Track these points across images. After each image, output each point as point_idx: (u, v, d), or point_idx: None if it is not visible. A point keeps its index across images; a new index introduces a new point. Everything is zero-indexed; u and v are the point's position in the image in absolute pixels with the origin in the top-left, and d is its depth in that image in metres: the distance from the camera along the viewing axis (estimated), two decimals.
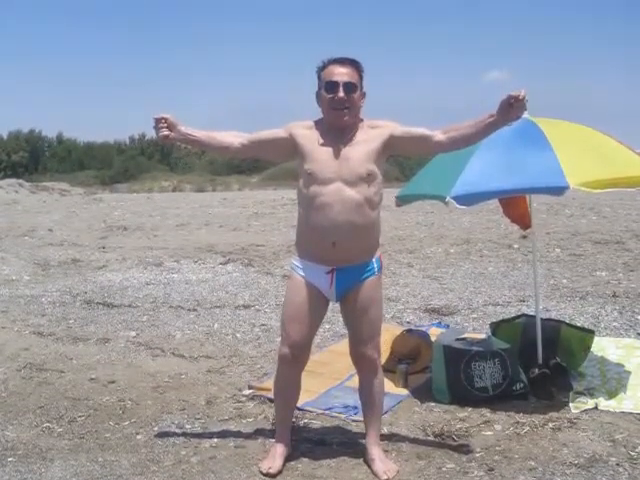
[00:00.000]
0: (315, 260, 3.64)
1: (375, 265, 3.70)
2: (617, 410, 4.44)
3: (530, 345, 4.93)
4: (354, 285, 3.66)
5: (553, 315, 6.67)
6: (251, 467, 3.74)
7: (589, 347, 5.11)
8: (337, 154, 3.56)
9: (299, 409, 4.35)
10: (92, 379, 5.25)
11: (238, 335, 6.55)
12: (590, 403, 4.53)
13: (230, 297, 8.28)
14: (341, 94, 3.53)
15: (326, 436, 4.14)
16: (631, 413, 4.40)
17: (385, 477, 3.60)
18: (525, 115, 3.98)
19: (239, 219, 18.10)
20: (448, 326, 6.54)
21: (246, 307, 7.72)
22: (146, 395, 4.90)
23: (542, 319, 5.07)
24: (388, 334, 5.27)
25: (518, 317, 5.54)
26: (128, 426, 4.34)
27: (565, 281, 8.84)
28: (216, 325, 6.92)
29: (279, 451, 3.76)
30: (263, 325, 6.88)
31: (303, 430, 4.22)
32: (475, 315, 7.15)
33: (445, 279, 9.24)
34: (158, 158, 64.55)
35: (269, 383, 4.53)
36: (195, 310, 7.60)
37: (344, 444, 4.02)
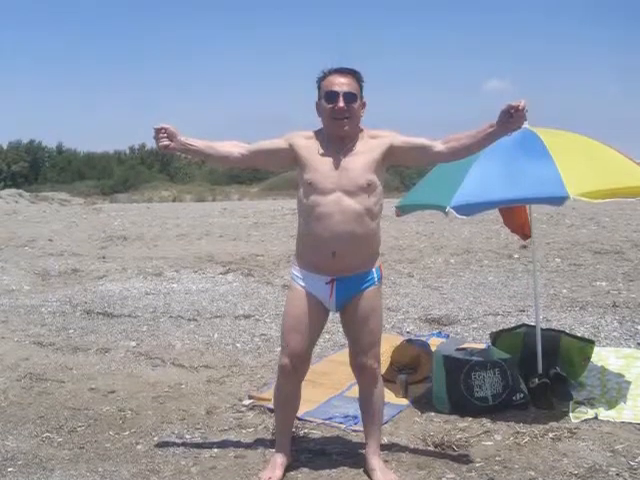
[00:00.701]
0: (315, 270, 3.64)
1: (375, 275, 3.70)
2: (617, 420, 4.43)
3: (530, 355, 4.93)
4: (354, 295, 3.65)
5: (553, 325, 6.67)
6: (251, 477, 3.73)
7: (589, 357, 5.10)
8: (337, 164, 3.56)
9: (299, 419, 4.34)
10: (92, 389, 5.25)
11: (238, 345, 6.55)
12: (590, 413, 4.52)
13: (230, 307, 8.28)
14: (341, 104, 3.54)
15: (326, 446, 4.13)
16: (631, 423, 4.39)
17: None
18: (525, 125, 3.99)
19: (239, 229, 18.10)
20: (448, 336, 6.54)
21: (246, 317, 7.72)
22: (146, 405, 4.90)
23: (542, 329, 5.07)
24: (388, 344, 5.27)
25: (518, 327, 5.53)
26: (128, 436, 4.33)
27: (565, 291, 8.84)
28: (216, 335, 6.92)
29: (279, 461, 3.75)
30: (263, 335, 6.88)
31: (303, 440, 4.22)
32: (475, 325, 7.15)
33: (445, 289, 9.24)
34: (158, 168, 64.60)
35: (269, 393, 4.53)
36: (195, 320, 7.60)
37: (344, 454, 4.01)
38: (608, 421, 4.43)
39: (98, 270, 11.35)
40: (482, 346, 5.26)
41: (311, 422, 4.49)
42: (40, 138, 68.77)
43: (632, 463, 3.82)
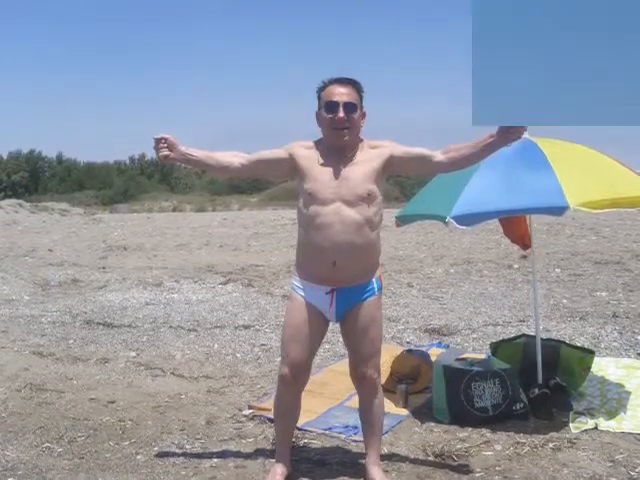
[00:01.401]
0: (315, 280, 3.64)
1: (375, 285, 3.70)
2: (617, 430, 4.43)
3: (530, 365, 4.92)
4: (354, 305, 3.65)
5: (553, 335, 6.66)
6: None
7: (589, 367, 5.10)
8: (337, 174, 3.57)
9: (299, 429, 4.33)
10: (92, 399, 5.24)
11: (238, 355, 6.54)
12: (590, 423, 4.51)
13: (230, 317, 8.28)
14: (341, 114, 3.54)
15: (326, 456, 4.12)
16: (631, 433, 4.39)
17: None
18: (525, 135, 4.00)
19: (239, 239, 18.12)
20: (448, 346, 6.54)
21: (246, 327, 7.72)
22: (146, 415, 4.89)
23: (542, 339, 5.07)
24: (388, 354, 5.26)
25: (518, 337, 5.53)
26: (128, 446, 4.32)
27: (565, 301, 8.84)
28: (216, 345, 6.92)
29: (279, 471, 3.75)
30: (263, 345, 6.88)
31: (303, 450, 4.21)
32: (475, 335, 7.15)
33: (445, 299, 9.24)
34: (158, 178, 64.84)
35: (269, 403, 4.53)
36: (195, 330, 7.60)
37: (344, 464, 4.00)
38: (608, 431, 4.42)
39: (98, 280, 11.36)
40: (482, 356, 5.27)
41: (311, 432, 4.48)
42: (40, 148, 69.16)
43: (632, 473, 3.82)
